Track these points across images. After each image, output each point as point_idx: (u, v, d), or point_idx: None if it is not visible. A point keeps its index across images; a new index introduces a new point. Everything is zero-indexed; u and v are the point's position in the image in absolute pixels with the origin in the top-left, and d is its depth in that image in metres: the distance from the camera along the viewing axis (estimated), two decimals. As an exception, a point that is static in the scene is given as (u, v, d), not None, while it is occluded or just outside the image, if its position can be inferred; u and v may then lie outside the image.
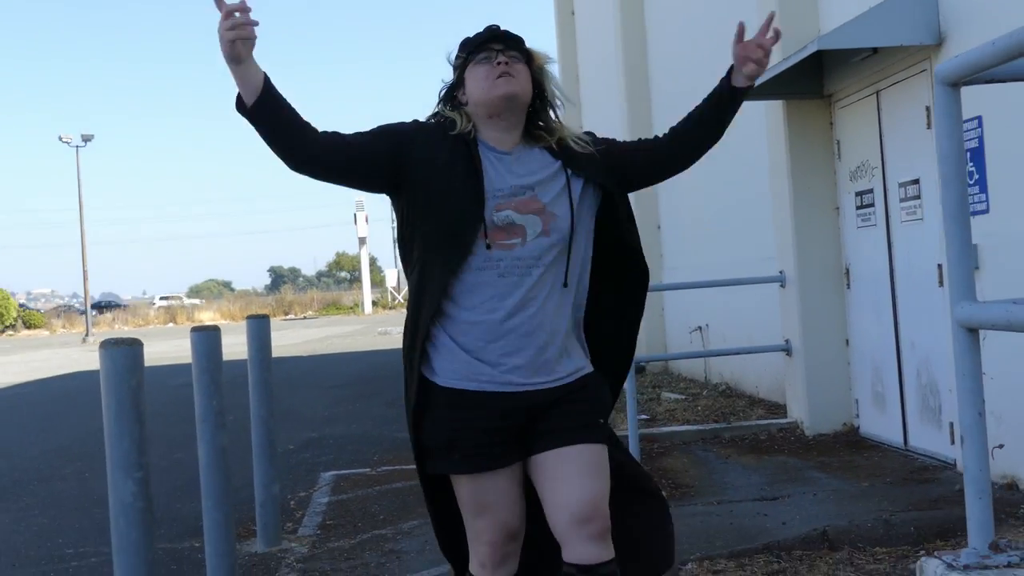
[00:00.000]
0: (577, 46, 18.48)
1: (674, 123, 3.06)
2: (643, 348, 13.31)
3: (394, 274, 66.77)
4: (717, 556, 4.76)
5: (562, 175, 2.93)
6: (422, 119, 3.01)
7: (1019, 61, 2.48)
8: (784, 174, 8.25)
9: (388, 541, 5.84)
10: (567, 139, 2.98)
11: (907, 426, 7.22)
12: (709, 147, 3.06)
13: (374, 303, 65.18)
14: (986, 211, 5.93)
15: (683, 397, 10.41)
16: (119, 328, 62.71)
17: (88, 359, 29.11)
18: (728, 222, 10.85)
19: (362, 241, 63.84)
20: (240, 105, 2.75)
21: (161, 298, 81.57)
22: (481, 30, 3.03)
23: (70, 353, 34.41)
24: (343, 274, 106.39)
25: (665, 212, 13.48)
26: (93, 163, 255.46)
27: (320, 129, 2.86)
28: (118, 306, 77.53)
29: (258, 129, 2.77)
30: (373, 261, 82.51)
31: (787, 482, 6.59)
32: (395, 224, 3.05)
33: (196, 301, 79.71)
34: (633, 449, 6.99)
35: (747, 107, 8.74)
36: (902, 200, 7.07)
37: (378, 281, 74.97)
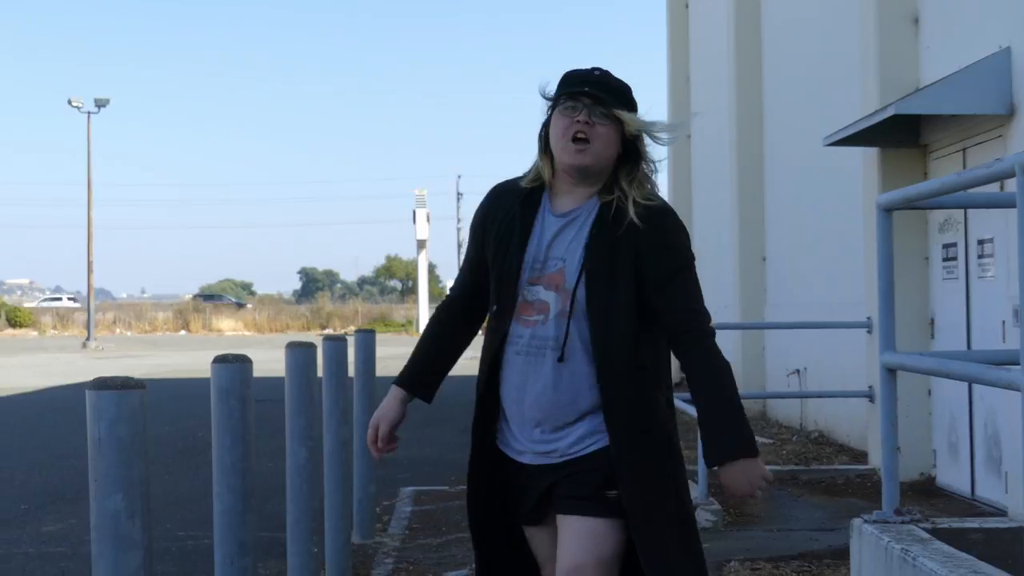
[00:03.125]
0: (690, 44, 21.05)
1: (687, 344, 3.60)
2: (740, 388, 15.74)
3: (457, 286, 68.53)
4: (758, 559, 7.22)
5: (583, 250, 3.57)
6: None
7: (941, 198, 4.90)
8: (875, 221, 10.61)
9: (472, 540, 8.33)
10: (628, 208, 3.55)
11: (975, 476, 9.54)
12: None
13: (432, 320, 66.92)
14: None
15: (771, 442, 12.84)
16: (121, 332, 65.97)
17: (99, 367, 31.54)
18: (831, 261, 13.22)
19: (421, 244, 65.25)
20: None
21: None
22: (585, 69, 3.61)
23: (74, 360, 37.28)
24: (394, 283, 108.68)
25: (772, 242, 15.87)
26: (105, 133, 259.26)
27: (458, 294, 3.87)
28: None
29: None
30: (432, 269, 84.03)
31: (847, 518, 8.91)
32: (462, 225, 4.62)
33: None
34: (702, 487, 9.27)
35: (847, 152, 11.31)
36: (979, 256, 9.42)
37: (437, 293, 75.85)
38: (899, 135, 10.39)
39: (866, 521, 4.81)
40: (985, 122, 9.13)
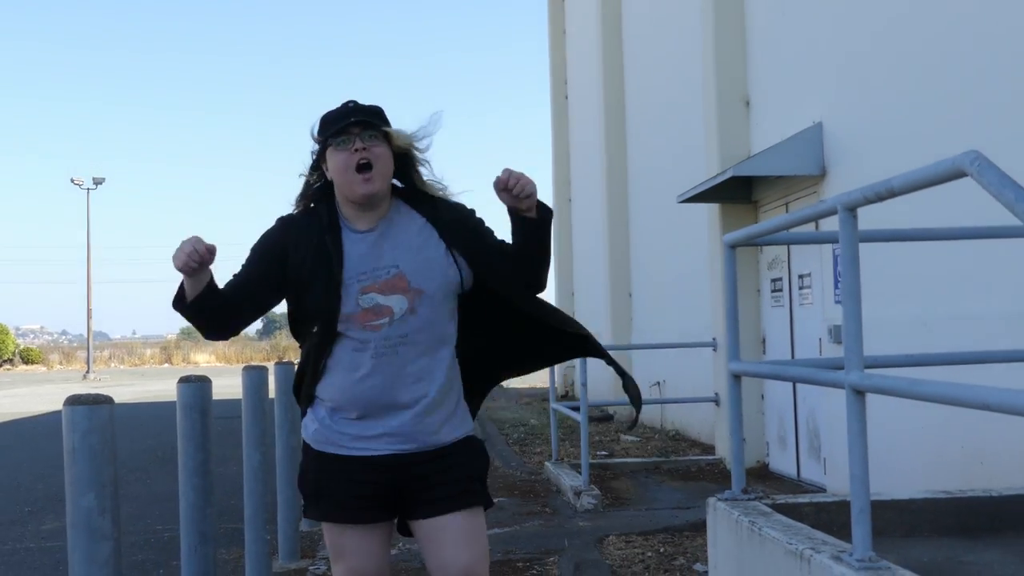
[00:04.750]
0: (569, 130, 21.05)
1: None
2: (612, 397, 15.65)
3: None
4: (630, 533, 7.05)
5: (431, 248, 3.11)
6: (291, 207, 3.20)
7: (774, 235, 4.79)
8: (718, 261, 10.58)
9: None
10: (439, 206, 3.17)
11: (799, 462, 9.49)
12: (540, 264, 3.16)
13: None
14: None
15: (638, 439, 12.71)
16: (116, 366, 64.66)
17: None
18: (682, 295, 13.19)
19: (358, 290, 65.55)
20: (178, 300, 3.01)
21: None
22: (338, 106, 3.11)
23: (75, 389, 36.42)
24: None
25: (636, 281, 15.84)
26: (102, 205, 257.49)
27: (230, 296, 3.07)
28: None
29: (192, 320, 3.07)
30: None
31: (700, 498, 8.81)
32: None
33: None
34: (585, 477, 9.10)
35: (694, 207, 11.23)
36: (800, 288, 9.40)
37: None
38: (736, 193, 10.38)
39: (719, 499, 4.67)
40: (803, 181, 9.13)
